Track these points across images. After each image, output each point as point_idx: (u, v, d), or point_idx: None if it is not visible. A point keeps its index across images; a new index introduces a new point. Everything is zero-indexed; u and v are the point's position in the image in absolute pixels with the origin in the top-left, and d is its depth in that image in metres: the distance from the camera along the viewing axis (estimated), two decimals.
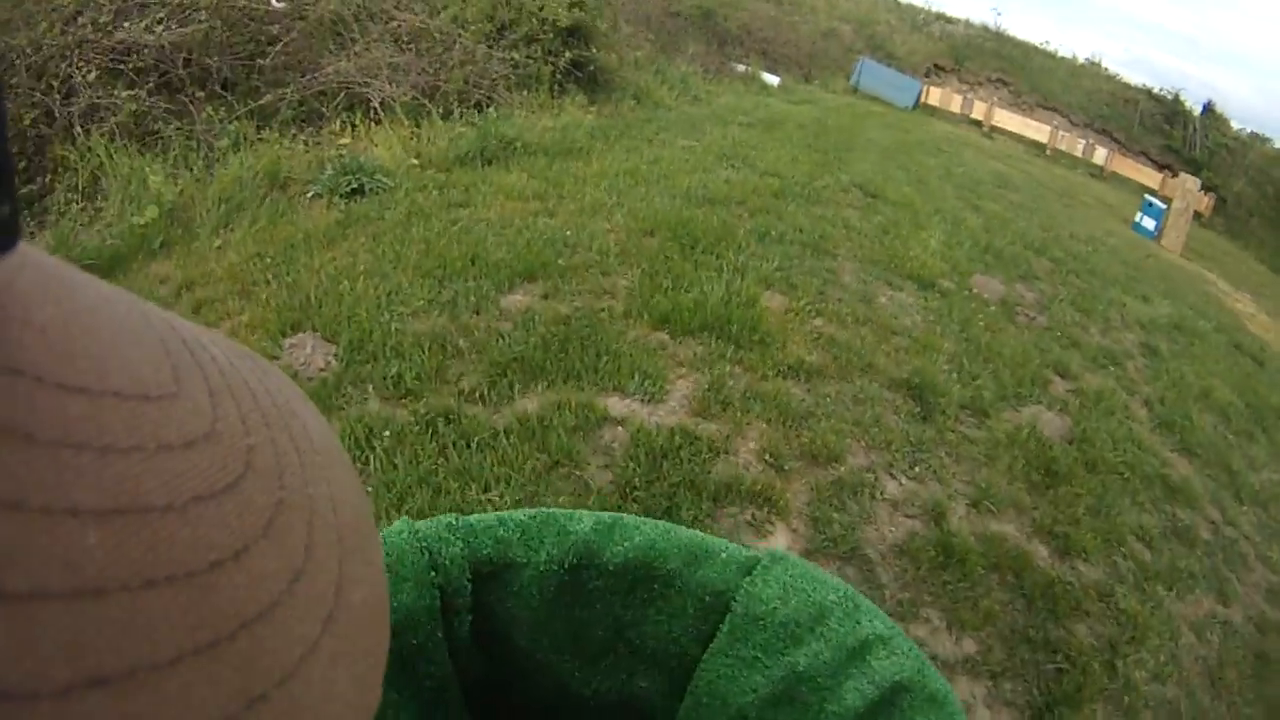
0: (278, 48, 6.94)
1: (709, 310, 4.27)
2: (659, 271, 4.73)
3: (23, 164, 5.52)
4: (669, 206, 5.97)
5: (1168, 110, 27.90)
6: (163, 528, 0.19)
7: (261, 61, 6.81)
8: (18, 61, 5.75)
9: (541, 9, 9.37)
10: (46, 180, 5.41)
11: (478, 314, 3.96)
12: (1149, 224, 14.47)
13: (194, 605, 0.19)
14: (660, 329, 4.11)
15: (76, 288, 0.22)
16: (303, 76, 6.96)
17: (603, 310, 4.21)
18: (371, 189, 5.47)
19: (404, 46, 8.08)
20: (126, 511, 0.18)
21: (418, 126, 6.91)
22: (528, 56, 9.11)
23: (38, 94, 5.68)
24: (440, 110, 7.36)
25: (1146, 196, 15.56)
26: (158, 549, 0.19)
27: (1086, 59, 31.44)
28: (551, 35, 9.37)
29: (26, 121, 5.57)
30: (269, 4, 7.27)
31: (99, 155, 5.30)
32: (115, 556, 0.18)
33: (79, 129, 5.56)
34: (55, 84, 5.75)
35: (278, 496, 0.23)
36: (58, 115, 5.63)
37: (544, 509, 0.50)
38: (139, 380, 0.21)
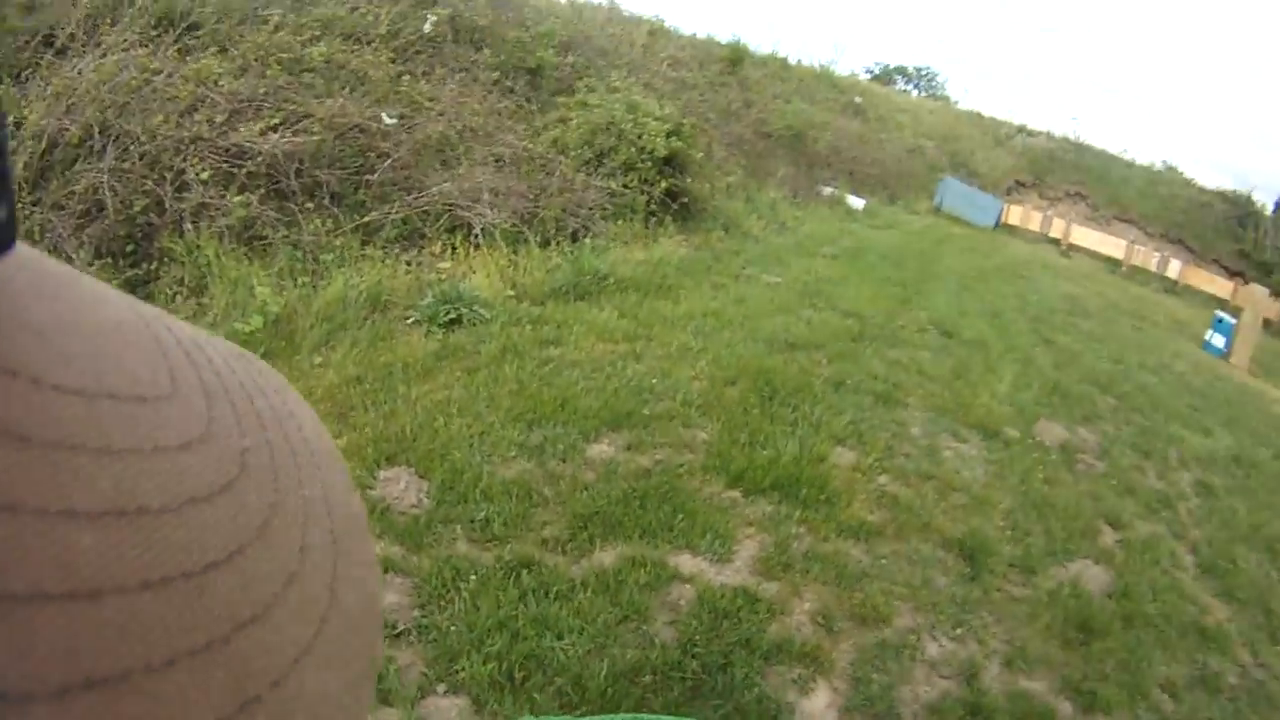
0: (386, 164, 7.21)
1: (781, 468, 4.46)
2: (737, 425, 4.93)
3: (130, 248, 5.79)
4: (751, 353, 6.18)
5: (1241, 211, 27.47)
6: (158, 530, 0.19)
7: (370, 177, 7.08)
8: (132, 147, 6.08)
9: (640, 137, 9.54)
10: (153, 267, 5.70)
11: (564, 462, 4.17)
12: (1218, 341, 14.10)
13: (188, 607, 0.19)
14: (734, 487, 4.30)
15: (73, 289, 0.22)
16: (408, 195, 7.20)
17: (682, 466, 4.39)
18: (469, 320, 5.72)
19: (506, 170, 8.28)
20: (122, 513, 0.19)
21: (515, 254, 7.12)
22: (624, 185, 9.26)
23: (150, 183, 5.97)
24: (538, 238, 7.58)
25: (1217, 312, 15.24)
26: (153, 551, 0.19)
27: (1163, 164, 31.30)
28: (649, 164, 9.52)
29: (137, 208, 5.86)
30: (381, 120, 7.60)
31: (207, 255, 5.59)
32: (110, 558, 0.18)
33: (189, 225, 5.85)
34: (168, 176, 6.04)
35: (272, 499, 0.23)
36: (168, 207, 5.91)
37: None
38: (135, 382, 0.21)
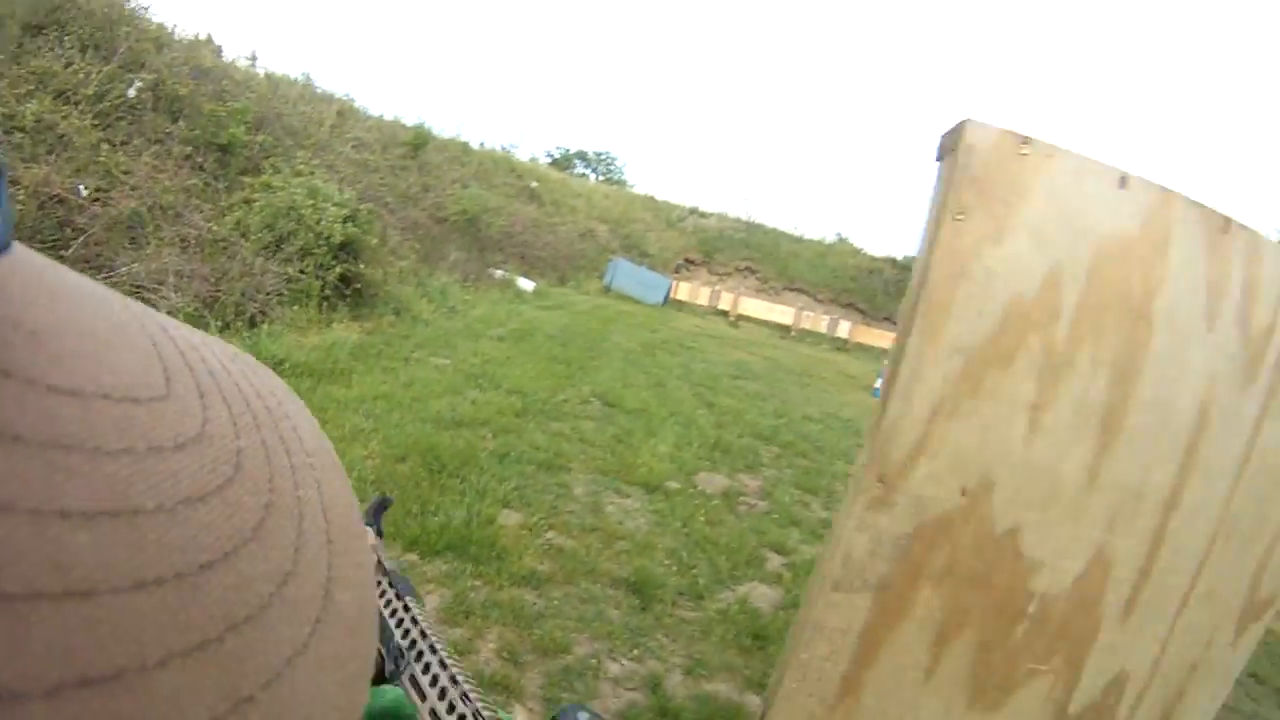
0: (80, 240, 6.99)
1: (452, 531, 4.85)
2: (409, 497, 5.28)
3: None
4: (420, 431, 6.52)
5: (908, 274, 30.54)
6: (152, 530, 0.19)
7: (64, 253, 6.80)
8: None
9: (319, 222, 9.66)
10: None
11: None
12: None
13: (182, 607, 0.19)
14: (411, 551, 4.65)
15: (69, 290, 0.22)
16: (99, 274, 6.91)
17: None
18: None
19: (191, 252, 8.17)
20: (116, 513, 0.19)
21: None
22: (301, 270, 9.30)
23: None
24: (219, 322, 7.56)
25: (885, 361, 17.02)
26: (147, 551, 0.19)
27: (836, 236, 34.21)
28: (325, 250, 9.64)
29: None
30: (77, 192, 7.34)
31: None
32: (105, 558, 0.18)
33: None
34: None
35: (267, 499, 0.23)
36: None
37: None
38: (130, 383, 0.21)
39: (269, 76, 15.22)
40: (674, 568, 5.26)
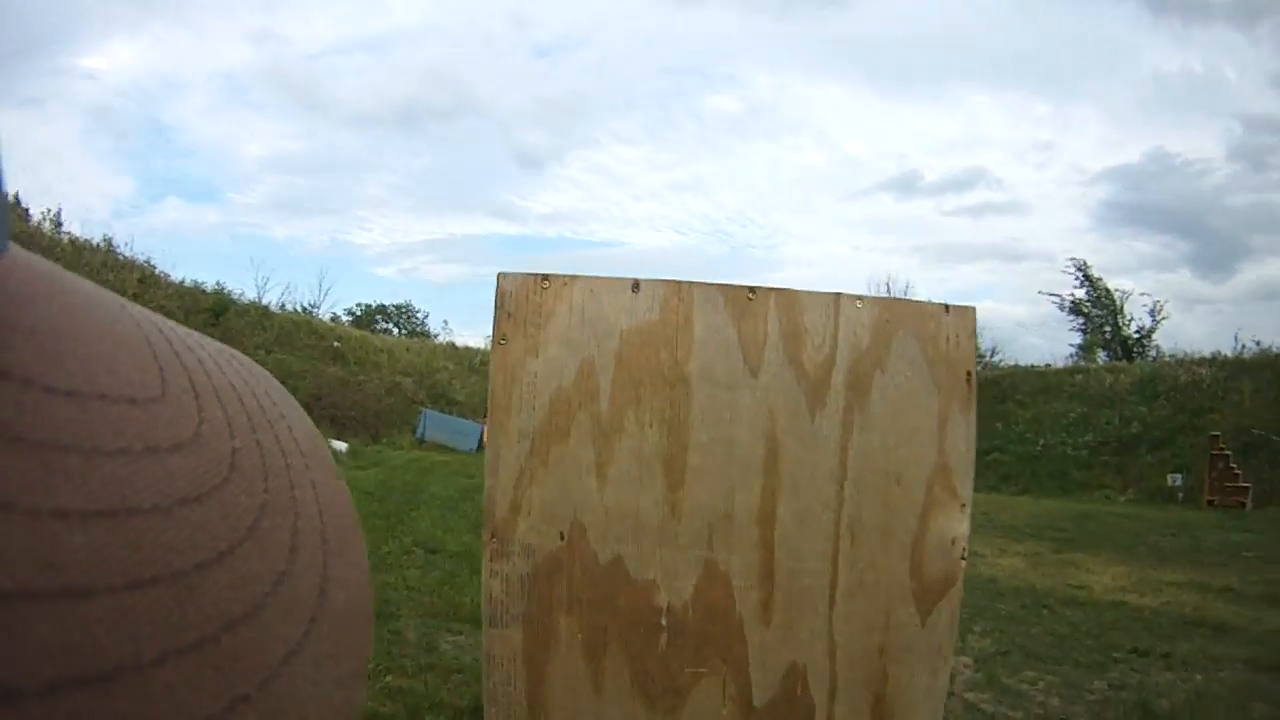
0: None
1: None
2: None
3: None
4: None
5: None
6: (148, 530, 0.19)
7: None
8: None
9: None
10: None
11: None
12: None
13: (178, 606, 0.19)
14: None
15: (66, 291, 0.22)
16: None
17: None
18: None
19: None
20: (112, 513, 0.19)
21: None
22: None
23: None
24: None
25: None
26: (143, 550, 0.19)
27: None
28: None
29: None
30: None
31: None
32: (101, 558, 0.18)
33: None
34: None
35: (262, 499, 0.23)
36: None
37: None
38: (126, 383, 0.21)
39: (73, 242, 14.68)
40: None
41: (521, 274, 1.59)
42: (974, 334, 1.77)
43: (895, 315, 1.71)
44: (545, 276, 1.59)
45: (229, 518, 0.22)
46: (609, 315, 1.57)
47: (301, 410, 0.30)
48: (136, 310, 0.25)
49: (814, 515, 1.63)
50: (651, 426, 1.56)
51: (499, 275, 1.59)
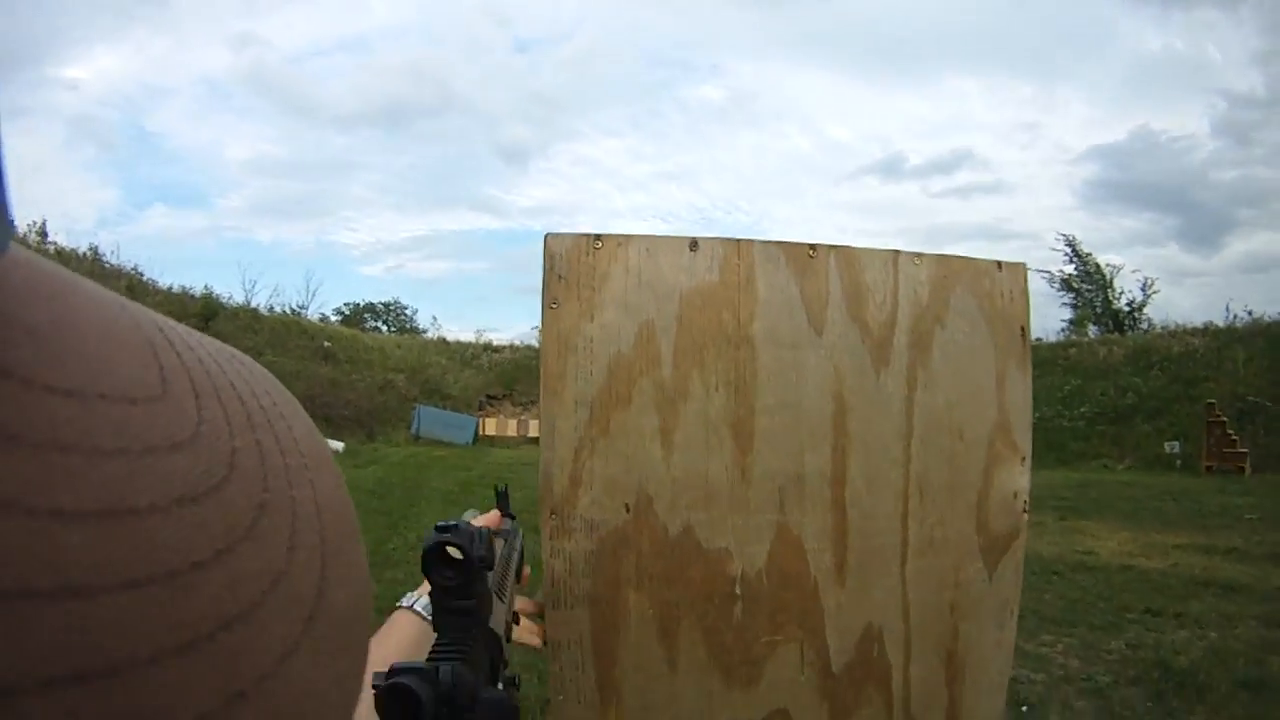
0: None
1: None
2: None
3: None
4: None
5: None
6: (146, 529, 0.19)
7: None
8: None
9: None
10: None
11: None
12: None
13: (176, 605, 0.19)
14: None
15: (67, 289, 0.22)
16: None
17: None
18: None
19: None
20: (111, 513, 0.19)
21: None
22: None
23: None
24: None
25: None
26: (141, 550, 0.19)
27: None
28: None
29: None
30: None
31: None
32: (99, 557, 0.18)
33: None
34: None
35: (261, 499, 0.23)
36: None
37: None
38: (126, 383, 0.21)
39: (59, 252, 14.59)
40: (533, 679, 5.31)
41: (571, 234, 1.52)
42: (1026, 291, 1.73)
43: (952, 272, 1.66)
44: (598, 236, 1.52)
45: (227, 517, 0.22)
46: (667, 276, 1.51)
47: (302, 410, 0.30)
48: (137, 309, 0.25)
49: (883, 474, 1.60)
50: (717, 390, 1.50)
51: (547, 236, 1.51)
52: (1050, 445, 23.01)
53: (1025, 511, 1.71)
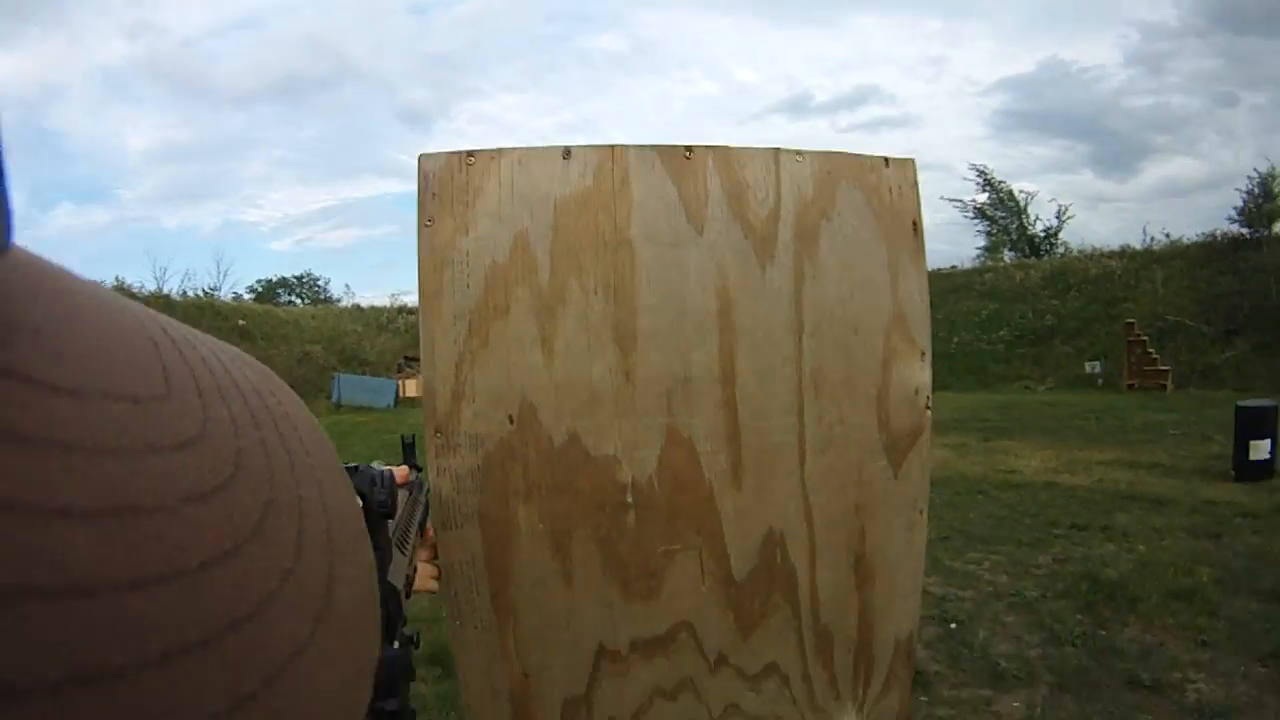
0: None
1: None
2: None
3: None
4: None
5: None
6: (152, 528, 0.19)
7: None
8: None
9: None
10: None
11: None
12: None
13: (182, 605, 0.19)
14: None
15: (70, 289, 0.22)
16: None
17: None
18: None
19: None
20: (116, 512, 0.18)
21: None
22: None
23: None
24: None
25: None
26: (147, 549, 0.19)
27: None
28: None
29: None
30: None
31: None
32: (104, 556, 0.18)
33: None
34: None
35: (267, 498, 0.23)
36: None
37: None
38: (130, 382, 0.21)
39: None
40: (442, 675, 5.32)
41: (444, 153, 1.47)
42: (915, 185, 1.70)
43: (836, 167, 1.62)
44: (470, 153, 1.46)
45: (234, 517, 0.21)
46: (541, 185, 1.46)
47: (305, 408, 0.30)
48: (139, 309, 0.25)
49: (775, 370, 1.55)
50: (596, 293, 1.45)
51: (420, 157, 1.46)
52: (970, 368, 23.52)
53: (928, 409, 1.68)
